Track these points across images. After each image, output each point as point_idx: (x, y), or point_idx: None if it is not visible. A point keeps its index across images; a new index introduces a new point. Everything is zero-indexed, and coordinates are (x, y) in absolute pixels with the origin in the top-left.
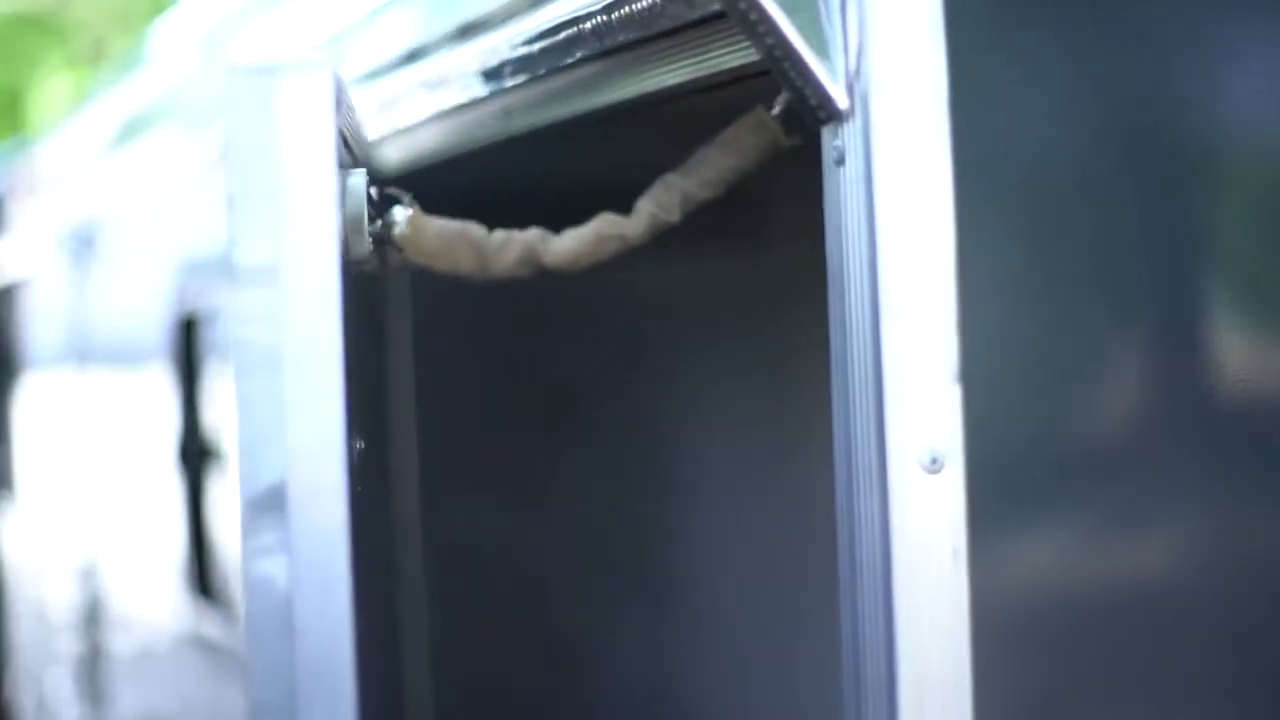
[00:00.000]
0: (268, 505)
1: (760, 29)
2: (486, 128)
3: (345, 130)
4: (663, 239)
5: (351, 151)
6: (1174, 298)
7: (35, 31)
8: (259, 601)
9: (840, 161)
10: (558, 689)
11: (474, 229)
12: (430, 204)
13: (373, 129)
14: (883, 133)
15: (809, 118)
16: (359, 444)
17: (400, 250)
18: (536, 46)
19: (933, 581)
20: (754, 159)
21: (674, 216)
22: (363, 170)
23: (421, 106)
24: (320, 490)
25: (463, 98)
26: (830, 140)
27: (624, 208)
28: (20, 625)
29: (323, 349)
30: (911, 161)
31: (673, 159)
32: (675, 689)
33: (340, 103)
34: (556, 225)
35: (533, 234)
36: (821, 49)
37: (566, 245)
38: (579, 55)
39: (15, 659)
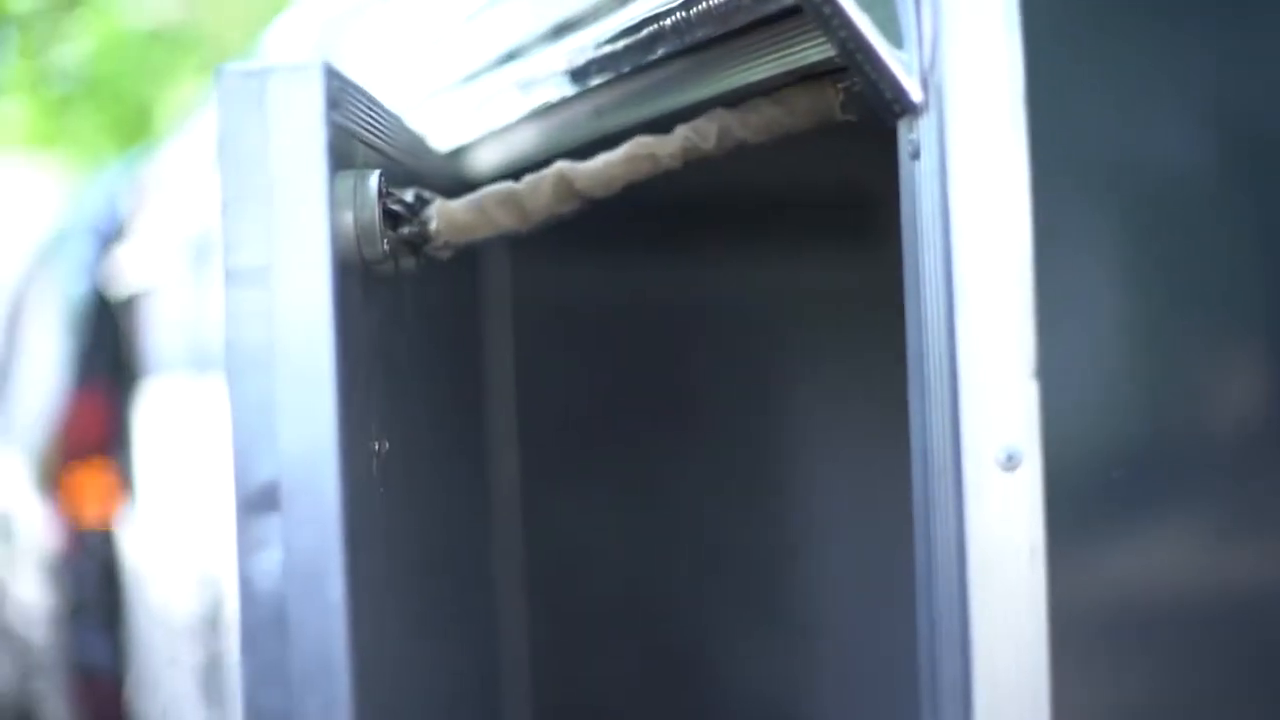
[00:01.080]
0: (261, 504)
1: (834, 22)
2: (579, 128)
3: (360, 130)
4: (784, 241)
5: (377, 151)
6: (1260, 293)
7: (166, 45)
8: (252, 602)
9: (915, 155)
10: (661, 700)
11: (500, 186)
12: None
13: (468, 130)
14: (957, 126)
15: (884, 111)
16: (379, 445)
17: (441, 240)
18: (620, 44)
19: (1009, 580)
20: (804, 120)
21: (709, 144)
22: (376, 172)
23: (515, 107)
24: (314, 489)
25: (553, 97)
26: (905, 134)
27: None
28: (142, 630)
29: (315, 349)
30: (987, 155)
31: (768, 159)
32: (785, 702)
33: (342, 103)
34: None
35: (560, 164)
36: (896, 42)
37: (597, 167)
38: (661, 52)
39: (137, 664)
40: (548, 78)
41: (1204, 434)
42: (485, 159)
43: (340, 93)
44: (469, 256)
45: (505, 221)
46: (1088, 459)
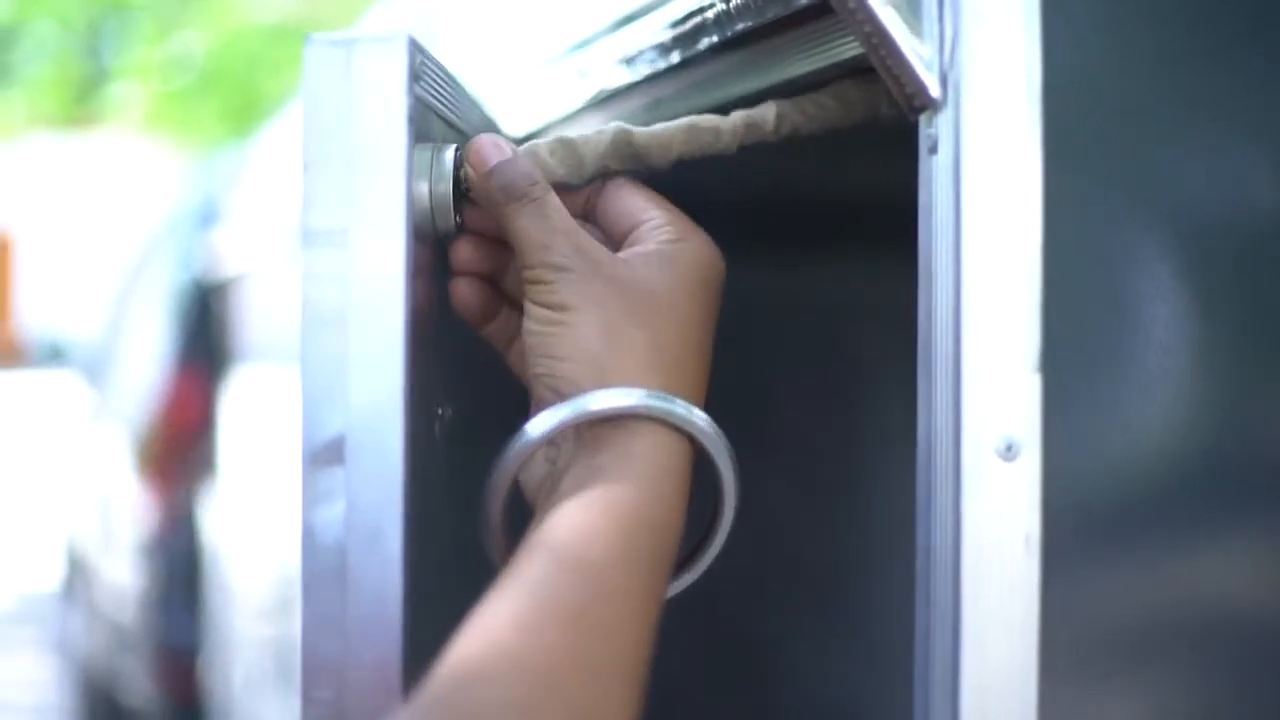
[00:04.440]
0: (327, 458)
1: (858, 16)
2: (637, 118)
3: (439, 105)
4: (868, 247)
5: (453, 127)
6: (1266, 296)
7: (286, 38)
8: (314, 552)
9: (933, 150)
10: (732, 697)
11: (556, 135)
12: None
13: (536, 118)
14: (974, 122)
15: (904, 105)
16: (441, 411)
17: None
18: (669, 35)
19: (1003, 568)
20: (856, 113)
21: (768, 127)
22: (453, 146)
23: (576, 96)
24: (378, 446)
25: (610, 85)
26: (924, 128)
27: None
28: (222, 612)
29: (387, 311)
30: (1002, 151)
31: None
32: (853, 705)
33: (423, 76)
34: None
35: (622, 123)
36: (917, 37)
37: (657, 130)
38: (705, 44)
39: (215, 645)
40: (606, 66)
41: (1206, 432)
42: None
43: (422, 66)
44: None
45: (558, 169)
46: (1087, 453)
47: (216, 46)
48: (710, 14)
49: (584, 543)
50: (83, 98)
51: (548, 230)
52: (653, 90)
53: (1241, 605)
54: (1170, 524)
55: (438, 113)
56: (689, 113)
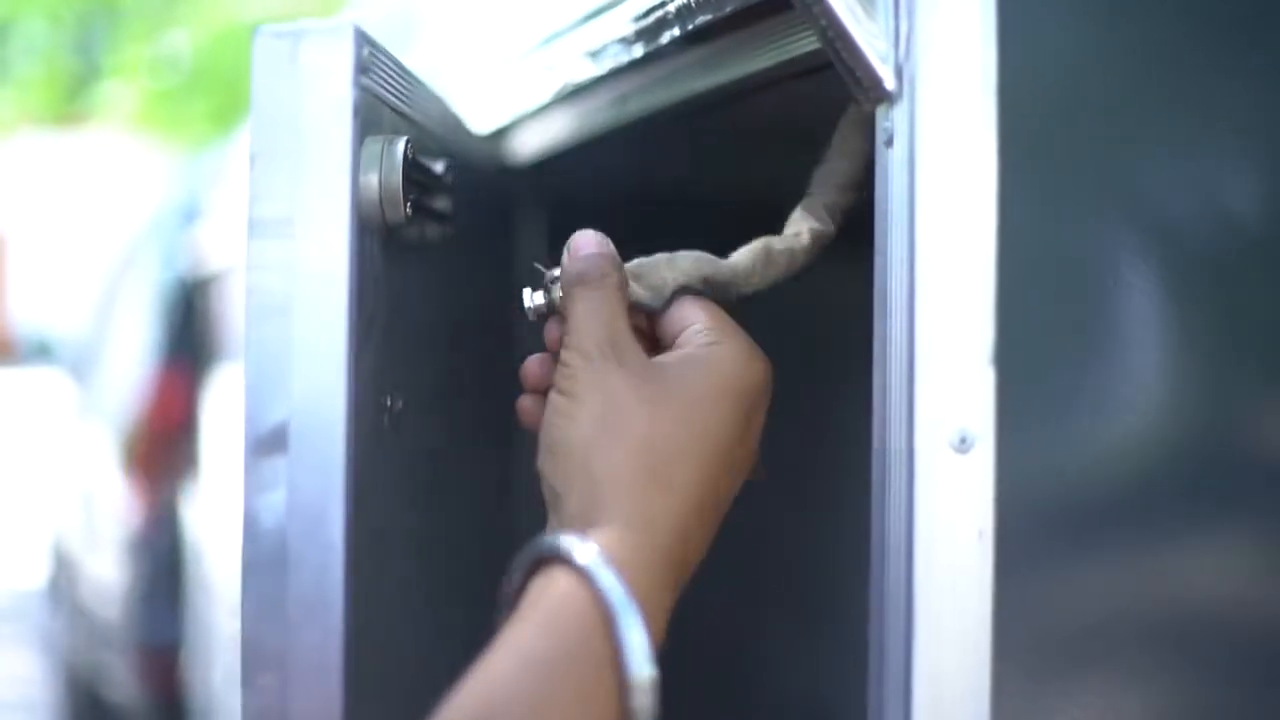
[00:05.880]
0: (270, 446)
1: (815, 9)
2: (603, 113)
3: (390, 97)
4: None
5: (407, 120)
6: (1225, 288)
7: None
8: (255, 539)
9: (889, 143)
10: (709, 700)
11: (633, 264)
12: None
13: (506, 113)
14: (928, 115)
15: (861, 99)
16: (391, 401)
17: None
18: (632, 29)
19: (957, 560)
20: (871, 150)
21: (830, 226)
22: (404, 138)
23: (545, 89)
24: (320, 434)
25: (577, 79)
26: (881, 122)
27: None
28: (205, 609)
29: (330, 302)
30: (957, 144)
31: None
32: (819, 700)
33: (373, 68)
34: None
35: (696, 254)
36: (872, 29)
37: (736, 262)
38: (667, 38)
39: (198, 642)
40: (572, 60)
41: (1161, 426)
42: (521, 142)
43: (371, 58)
44: (505, 233)
45: (644, 293)
46: (1041, 446)
47: (205, 46)
48: (671, 7)
49: (488, 686)
50: (72, 96)
51: (594, 317)
52: (618, 85)
53: (1195, 600)
54: (1124, 518)
55: (390, 105)
56: (655, 109)
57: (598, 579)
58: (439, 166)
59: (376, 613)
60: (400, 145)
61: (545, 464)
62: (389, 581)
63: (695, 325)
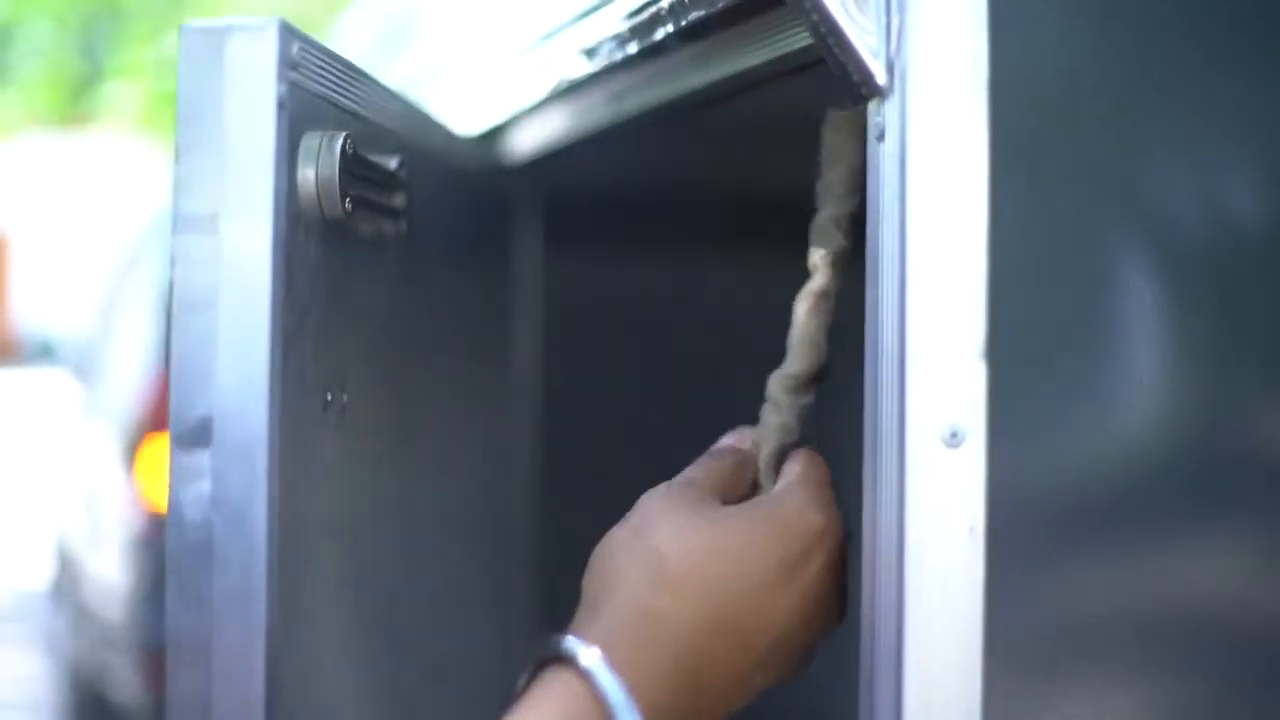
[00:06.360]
0: (194, 439)
1: (807, 4)
2: (598, 111)
3: (329, 92)
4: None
5: (347, 113)
6: (1215, 282)
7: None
8: (181, 531)
9: (880, 138)
10: None
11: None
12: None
13: (499, 113)
14: (920, 110)
15: (852, 94)
16: (333, 396)
17: None
18: (626, 26)
19: (947, 556)
20: (861, 151)
21: (843, 241)
22: (343, 134)
23: (540, 87)
24: (245, 428)
25: (572, 77)
26: (873, 116)
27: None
28: None
29: (255, 297)
30: (948, 139)
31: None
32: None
33: (303, 64)
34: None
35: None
36: (864, 24)
37: (796, 352)
38: (661, 35)
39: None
40: (567, 58)
41: (1153, 421)
42: (516, 139)
43: (302, 54)
44: (500, 231)
45: None
46: (1033, 441)
47: None
48: (664, 4)
49: None
50: (76, 97)
51: (698, 466)
52: (612, 83)
53: (1188, 596)
54: (1117, 514)
55: (331, 101)
56: (649, 105)
57: (598, 680)
58: (392, 163)
59: (303, 607)
60: (339, 140)
61: (587, 570)
62: (319, 576)
63: (781, 479)
